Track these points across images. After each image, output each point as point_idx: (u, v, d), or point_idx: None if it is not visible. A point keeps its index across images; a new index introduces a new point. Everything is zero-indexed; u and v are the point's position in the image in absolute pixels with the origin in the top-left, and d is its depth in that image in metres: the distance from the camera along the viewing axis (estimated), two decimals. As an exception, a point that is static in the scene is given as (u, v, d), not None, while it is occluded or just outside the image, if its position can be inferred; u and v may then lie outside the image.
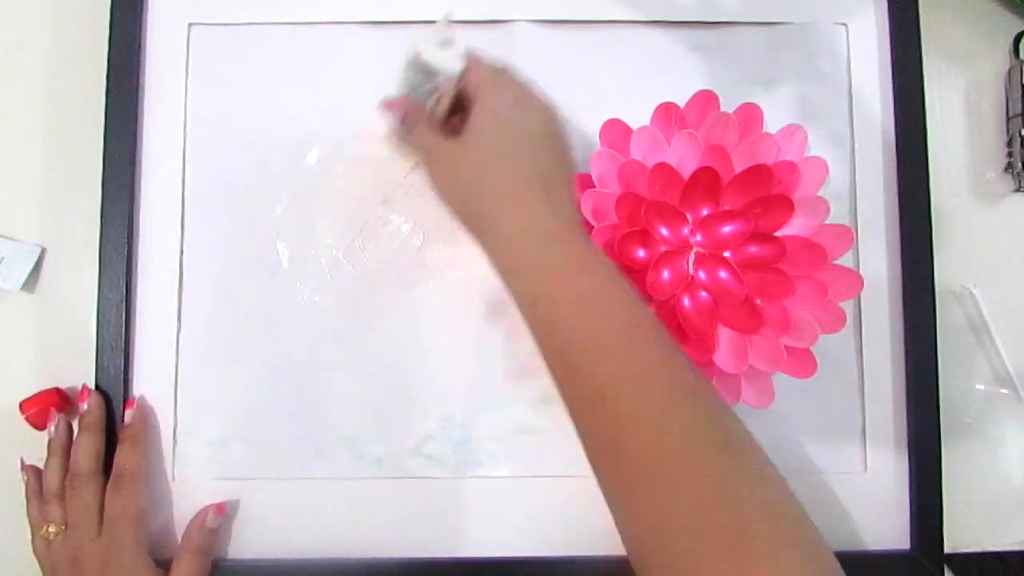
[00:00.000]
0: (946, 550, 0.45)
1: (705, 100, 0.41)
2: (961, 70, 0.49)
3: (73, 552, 0.40)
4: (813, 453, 0.46)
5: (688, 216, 0.41)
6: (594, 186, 0.41)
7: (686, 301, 0.41)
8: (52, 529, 0.41)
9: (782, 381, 0.41)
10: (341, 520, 0.45)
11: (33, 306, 0.46)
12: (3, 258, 0.46)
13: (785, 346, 0.39)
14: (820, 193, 0.41)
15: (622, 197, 0.40)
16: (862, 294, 0.45)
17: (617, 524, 0.31)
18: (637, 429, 0.30)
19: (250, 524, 0.45)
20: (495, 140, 0.36)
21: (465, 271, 0.46)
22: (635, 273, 0.40)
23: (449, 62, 0.38)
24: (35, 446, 0.44)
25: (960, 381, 0.47)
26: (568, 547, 0.44)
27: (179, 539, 0.43)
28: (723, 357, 0.40)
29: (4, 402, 0.45)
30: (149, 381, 0.45)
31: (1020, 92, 0.47)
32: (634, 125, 0.42)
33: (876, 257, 0.46)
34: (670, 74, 0.47)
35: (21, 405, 0.44)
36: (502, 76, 0.38)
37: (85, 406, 0.43)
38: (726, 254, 0.41)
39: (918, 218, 0.45)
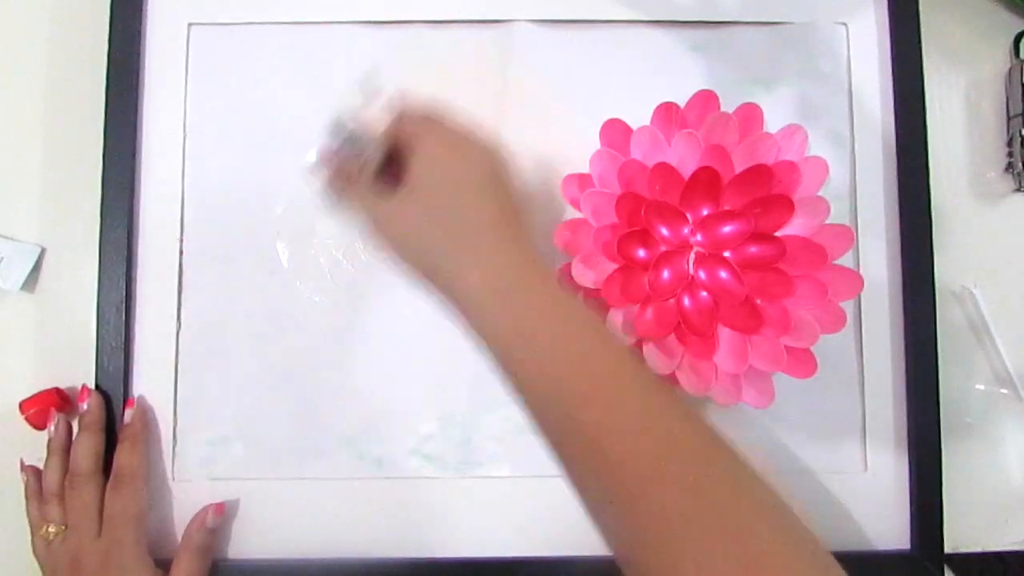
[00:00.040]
0: (946, 550, 0.44)
1: (705, 100, 0.41)
2: (961, 70, 0.49)
3: (73, 552, 0.40)
4: (813, 453, 0.46)
5: (688, 216, 0.41)
6: (594, 186, 0.41)
7: (686, 301, 0.41)
8: (52, 529, 0.41)
9: (782, 381, 0.41)
10: (341, 520, 0.45)
11: (33, 306, 0.46)
12: (3, 258, 0.46)
13: (785, 346, 0.39)
14: (820, 193, 0.41)
15: (622, 197, 0.40)
16: (862, 294, 0.45)
17: (619, 564, 0.31)
18: (633, 476, 0.29)
19: (250, 524, 0.45)
20: (436, 193, 0.34)
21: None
22: (635, 273, 0.40)
23: (373, 123, 0.36)
24: (35, 446, 0.44)
25: (960, 381, 0.47)
26: (568, 547, 0.44)
27: (179, 539, 0.43)
28: (723, 357, 0.40)
29: (4, 402, 0.45)
30: (149, 381, 0.45)
31: (1020, 92, 0.47)
32: (634, 125, 0.42)
33: (876, 257, 0.46)
34: (670, 74, 0.47)
35: (21, 405, 0.44)
36: (434, 123, 0.36)
37: (85, 406, 0.43)
38: (726, 254, 0.41)
39: (918, 218, 0.45)
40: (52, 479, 0.42)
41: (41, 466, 0.43)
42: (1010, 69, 0.48)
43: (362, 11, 0.47)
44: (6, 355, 0.46)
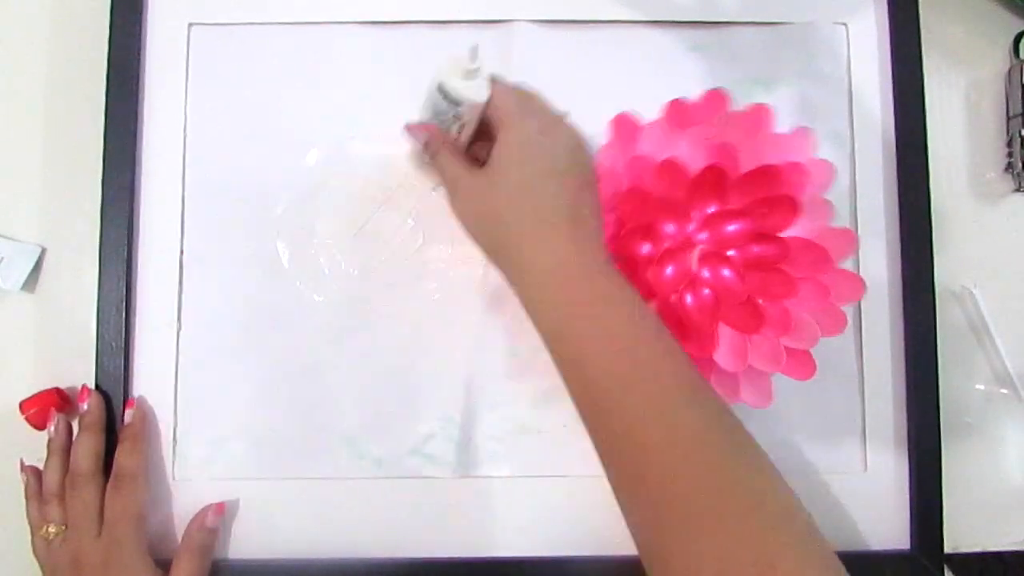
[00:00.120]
0: (946, 550, 0.45)
1: (716, 98, 0.41)
2: (961, 70, 0.49)
3: (73, 552, 0.40)
4: (813, 453, 0.46)
5: (694, 213, 0.41)
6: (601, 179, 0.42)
7: (688, 298, 0.41)
8: (52, 529, 0.41)
9: (782, 381, 0.41)
10: (341, 520, 0.45)
11: (33, 306, 0.46)
12: (3, 258, 0.46)
13: (785, 347, 0.39)
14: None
15: (629, 191, 0.40)
16: (862, 294, 0.45)
17: (641, 555, 0.31)
18: (664, 466, 0.30)
19: (250, 524, 0.45)
20: (519, 173, 0.35)
21: (465, 271, 0.46)
22: (638, 268, 0.40)
23: (473, 91, 0.37)
24: (35, 446, 0.44)
25: (960, 381, 0.47)
26: (568, 547, 0.44)
27: (179, 539, 0.43)
28: (723, 355, 0.40)
29: (4, 402, 0.45)
30: (149, 381, 0.45)
31: (1020, 92, 0.47)
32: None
33: (876, 257, 0.46)
34: (670, 74, 0.47)
35: (21, 405, 0.44)
36: (527, 105, 0.37)
37: (85, 406, 0.43)
38: (730, 252, 0.41)
39: (918, 218, 0.45)
40: (52, 479, 0.42)
41: (41, 466, 0.43)
42: (1010, 69, 0.48)
43: (362, 11, 0.47)
44: (6, 355, 0.46)
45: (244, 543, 0.44)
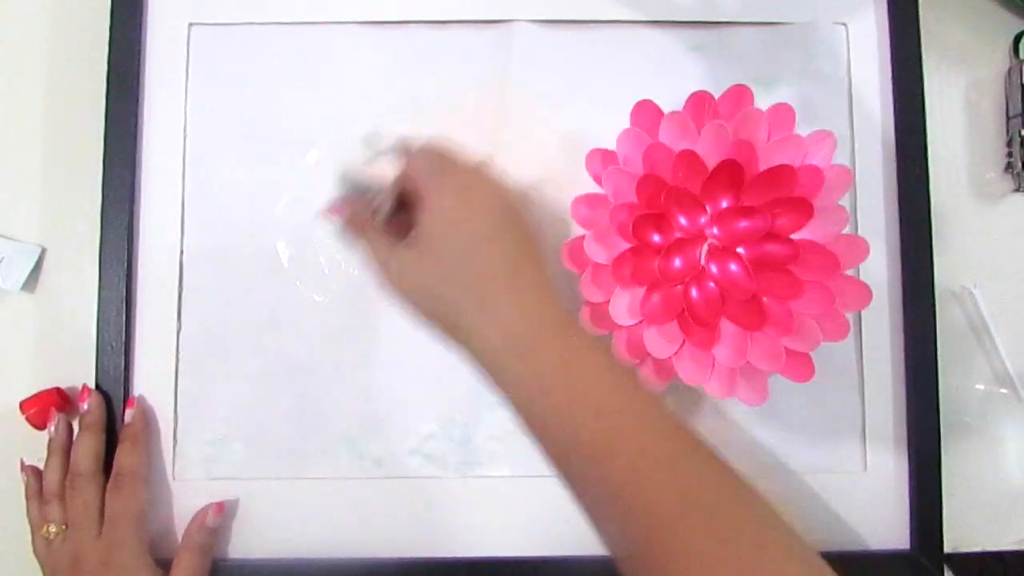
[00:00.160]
0: (946, 550, 0.45)
1: (739, 94, 0.41)
2: (961, 70, 0.49)
3: (73, 552, 0.40)
4: (813, 453, 0.46)
5: (707, 207, 0.41)
6: (618, 163, 0.42)
7: (694, 291, 0.41)
8: (52, 529, 0.41)
9: (782, 380, 0.41)
10: (341, 520, 0.45)
11: (33, 306, 0.46)
12: (3, 258, 0.46)
13: (785, 348, 0.39)
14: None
15: (644, 178, 0.40)
16: (862, 294, 0.45)
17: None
18: (656, 526, 0.29)
19: (250, 524, 0.45)
20: (443, 248, 0.34)
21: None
22: (647, 256, 0.40)
23: (380, 173, 0.36)
24: (35, 446, 0.44)
25: (960, 381, 0.47)
26: (568, 547, 0.44)
27: (179, 539, 0.43)
28: (722, 350, 0.40)
29: (4, 402, 0.45)
30: (149, 381, 0.45)
31: (1020, 92, 0.47)
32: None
33: (876, 257, 0.46)
34: (670, 74, 0.47)
35: (21, 405, 0.44)
36: (441, 171, 0.35)
37: (85, 406, 0.43)
38: (740, 249, 0.41)
39: (918, 218, 0.45)
40: (53, 479, 0.42)
41: (41, 466, 0.43)
42: (1010, 69, 0.48)
43: (362, 11, 0.47)
44: (6, 355, 0.46)
45: (244, 543, 0.44)
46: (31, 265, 0.46)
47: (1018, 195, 0.48)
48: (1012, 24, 0.49)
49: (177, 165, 0.46)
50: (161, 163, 0.46)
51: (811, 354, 0.40)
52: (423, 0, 0.47)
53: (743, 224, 0.40)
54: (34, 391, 0.45)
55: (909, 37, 0.46)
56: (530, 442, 0.45)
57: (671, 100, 0.42)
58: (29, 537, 0.42)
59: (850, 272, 0.42)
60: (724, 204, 0.41)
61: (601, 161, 0.42)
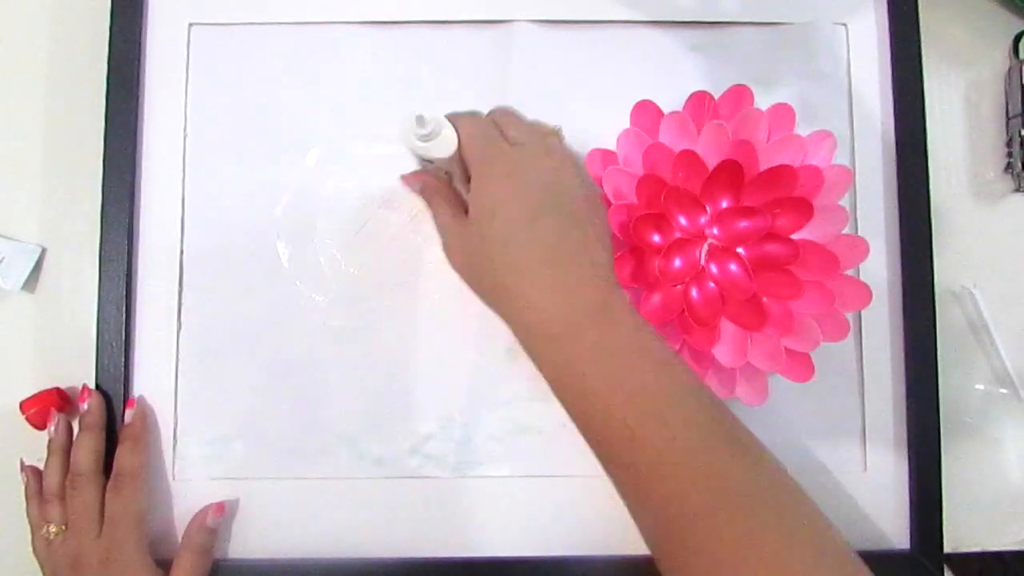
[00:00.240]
0: (946, 550, 0.45)
1: (739, 94, 0.41)
2: (961, 70, 0.49)
3: (73, 552, 0.40)
4: (813, 453, 0.46)
5: (707, 207, 0.41)
6: (618, 163, 0.42)
7: (694, 291, 0.41)
8: (52, 529, 0.41)
9: (783, 380, 0.41)
10: (341, 520, 0.45)
11: (33, 306, 0.46)
12: (3, 258, 0.46)
13: (785, 348, 0.39)
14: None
15: (643, 178, 0.40)
16: (862, 294, 0.45)
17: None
18: (686, 515, 0.29)
19: (250, 524, 0.45)
20: (492, 225, 0.34)
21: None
22: (647, 256, 0.40)
23: (437, 148, 0.36)
24: (35, 446, 0.44)
25: (960, 381, 0.47)
26: (569, 547, 0.44)
27: (179, 539, 0.43)
28: (722, 350, 0.40)
29: (4, 402, 0.45)
30: (149, 381, 0.45)
31: (1020, 92, 0.47)
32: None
33: (876, 257, 0.46)
34: (670, 74, 0.47)
35: (21, 405, 0.44)
36: (493, 149, 0.36)
37: (85, 406, 0.43)
38: (739, 249, 0.41)
39: (918, 218, 0.45)
40: (53, 479, 0.42)
41: (41, 466, 0.43)
42: (1010, 69, 0.48)
43: (362, 11, 0.47)
44: (6, 355, 0.46)
45: (244, 543, 0.44)
46: (31, 265, 0.46)
47: (1018, 195, 0.48)
48: (1012, 24, 0.49)
49: (177, 165, 0.46)
50: (161, 163, 0.46)
51: (811, 354, 0.40)
52: (423, 0, 0.47)
53: (743, 224, 0.40)
54: (34, 391, 0.45)
55: (909, 37, 0.46)
56: (531, 442, 0.45)
57: (671, 100, 0.42)
58: (29, 537, 0.42)
59: (850, 272, 0.42)
60: (724, 204, 0.41)
61: (601, 161, 0.42)
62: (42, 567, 0.41)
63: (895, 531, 0.45)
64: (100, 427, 0.43)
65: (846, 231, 0.41)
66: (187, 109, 0.46)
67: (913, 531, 0.45)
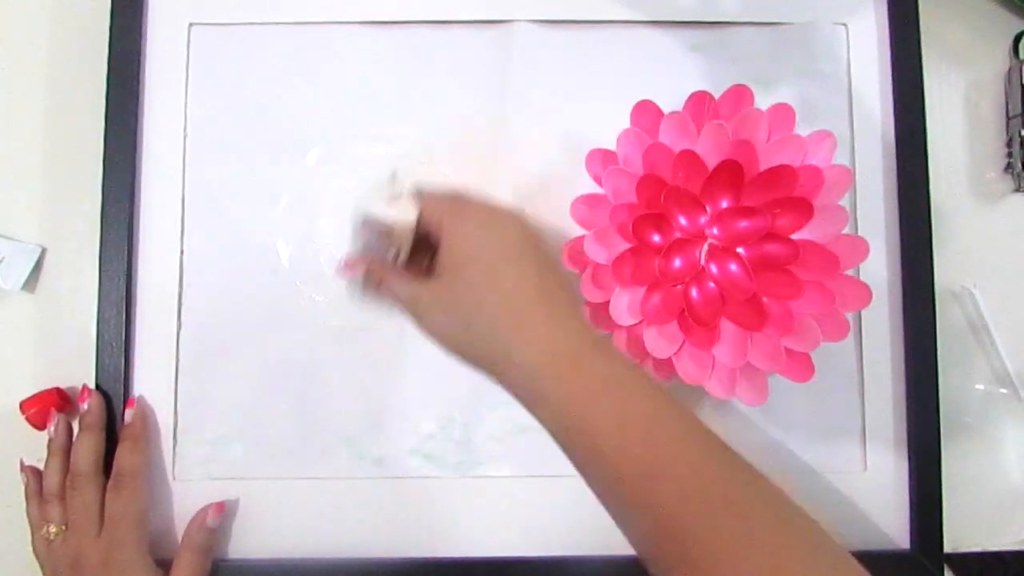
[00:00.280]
0: (946, 550, 0.45)
1: (739, 94, 0.41)
2: (961, 70, 0.49)
3: (73, 552, 0.40)
4: (813, 453, 0.46)
5: (707, 207, 0.41)
6: (618, 163, 0.42)
7: (694, 291, 0.41)
8: (52, 529, 0.41)
9: (782, 380, 0.41)
10: (341, 520, 0.45)
11: (33, 306, 0.46)
12: (3, 258, 0.46)
13: (785, 348, 0.39)
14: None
15: (643, 178, 0.40)
16: (862, 294, 0.45)
17: None
18: (708, 553, 0.29)
19: (250, 524, 0.45)
20: (474, 268, 0.33)
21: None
22: (647, 256, 0.40)
23: (401, 212, 0.36)
24: (35, 446, 0.44)
25: (960, 381, 0.47)
26: (568, 547, 0.44)
27: (179, 539, 0.43)
28: (722, 350, 0.40)
29: (4, 402, 0.45)
30: (149, 381, 0.45)
31: (1020, 92, 0.47)
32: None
33: (876, 257, 0.46)
34: (670, 74, 0.47)
35: (21, 405, 0.44)
36: (459, 203, 0.36)
37: (85, 406, 0.43)
38: (739, 249, 0.41)
39: (918, 218, 0.45)
40: (53, 479, 0.42)
41: (41, 466, 0.43)
42: (1010, 69, 0.48)
43: (362, 11, 0.47)
44: (6, 355, 0.46)
45: (244, 543, 0.44)
46: (31, 265, 0.46)
47: (1018, 195, 0.48)
48: (1012, 24, 0.49)
49: (177, 165, 0.46)
50: (161, 163, 0.46)
51: (811, 354, 0.40)
52: (423, 0, 0.47)
53: (743, 224, 0.40)
54: (34, 391, 0.45)
55: (909, 37, 0.46)
56: (531, 442, 0.45)
57: (671, 100, 0.42)
58: (29, 537, 0.42)
59: (850, 272, 0.42)
60: (724, 204, 0.41)
61: (601, 161, 0.42)
62: (42, 567, 0.41)
63: (895, 531, 0.45)
64: (100, 427, 0.43)
65: (846, 231, 0.41)
66: (187, 109, 0.46)
67: (913, 531, 0.45)
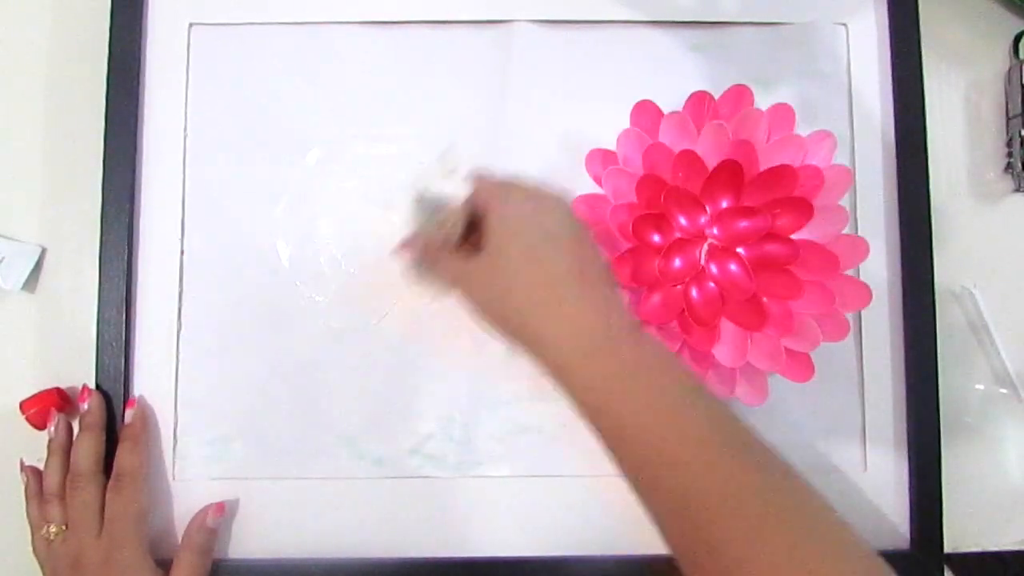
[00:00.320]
0: (946, 550, 0.45)
1: (739, 94, 0.41)
2: (961, 70, 0.49)
3: (74, 552, 0.40)
4: (813, 453, 0.46)
5: (707, 207, 0.41)
6: (618, 163, 0.42)
7: (694, 291, 0.41)
8: (52, 529, 0.41)
9: (783, 380, 0.41)
10: (341, 520, 0.45)
11: (33, 306, 0.46)
12: (3, 258, 0.46)
13: (785, 348, 0.39)
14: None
15: (643, 178, 0.40)
16: (862, 294, 0.45)
17: None
18: (728, 540, 0.29)
19: (250, 524, 0.45)
20: (516, 244, 0.34)
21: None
22: (647, 256, 0.40)
23: (455, 189, 0.38)
24: (35, 446, 0.44)
25: (960, 381, 0.47)
26: (568, 547, 0.44)
27: (179, 539, 0.43)
28: (722, 350, 0.40)
29: (4, 402, 0.45)
30: (149, 381, 0.45)
31: (1020, 92, 0.47)
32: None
33: (876, 257, 0.46)
34: (670, 74, 0.47)
35: (21, 405, 0.44)
36: (508, 184, 0.37)
37: (85, 406, 0.43)
38: (739, 249, 0.41)
39: (918, 218, 0.45)
40: (53, 479, 0.42)
41: (41, 466, 0.43)
42: (1010, 69, 0.48)
43: (362, 11, 0.47)
44: (6, 355, 0.46)
45: (244, 543, 0.44)
46: (31, 265, 0.46)
47: (1018, 195, 0.48)
48: (1012, 24, 0.49)
49: (177, 165, 0.46)
50: (161, 163, 0.46)
51: (811, 354, 0.40)
52: (423, 0, 0.47)
53: (743, 224, 0.40)
54: (34, 391, 0.45)
55: (909, 37, 0.46)
56: (531, 442, 0.45)
57: (671, 100, 0.42)
58: (29, 537, 0.42)
59: (850, 272, 0.42)
60: (724, 204, 0.41)
61: (601, 161, 0.42)
62: (42, 567, 0.41)
63: (895, 531, 0.45)
64: (100, 427, 0.43)
65: (846, 231, 0.41)
66: (187, 109, 0.46)
67: (913, 531, 0.45)
